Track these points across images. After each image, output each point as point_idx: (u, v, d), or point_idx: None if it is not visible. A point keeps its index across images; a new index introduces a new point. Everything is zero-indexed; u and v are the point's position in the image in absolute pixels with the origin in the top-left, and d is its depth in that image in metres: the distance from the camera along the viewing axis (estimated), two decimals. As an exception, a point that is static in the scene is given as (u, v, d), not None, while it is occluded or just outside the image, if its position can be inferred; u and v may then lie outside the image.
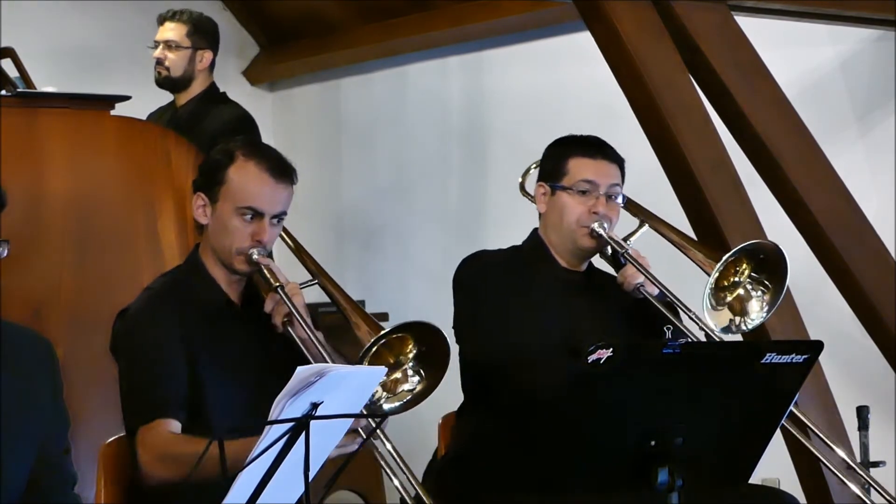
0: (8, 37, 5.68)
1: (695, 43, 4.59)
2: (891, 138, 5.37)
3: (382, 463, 3.36)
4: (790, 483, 4.57)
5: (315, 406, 2.62)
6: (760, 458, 2.99)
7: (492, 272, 3.78)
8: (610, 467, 2.87)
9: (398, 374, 3.41)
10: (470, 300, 3.76)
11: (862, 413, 4.58)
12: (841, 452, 3.81)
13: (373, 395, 3.34)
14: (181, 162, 4.88)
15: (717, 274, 3.70)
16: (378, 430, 3.23)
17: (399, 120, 7.04)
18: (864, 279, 4.75)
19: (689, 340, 3.65)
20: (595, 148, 3.84)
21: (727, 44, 4.65)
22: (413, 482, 3.38)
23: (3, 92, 4.81)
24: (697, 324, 3.70)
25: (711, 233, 4.51)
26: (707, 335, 3.70)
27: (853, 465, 3.84)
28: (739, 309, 3.80)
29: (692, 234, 4.37)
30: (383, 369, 2.99)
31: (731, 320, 3.79)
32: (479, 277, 3.77)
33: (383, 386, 3.39)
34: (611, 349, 2.71)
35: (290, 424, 2.61)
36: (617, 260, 3.84)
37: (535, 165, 4.05)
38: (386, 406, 3.40)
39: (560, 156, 3.84)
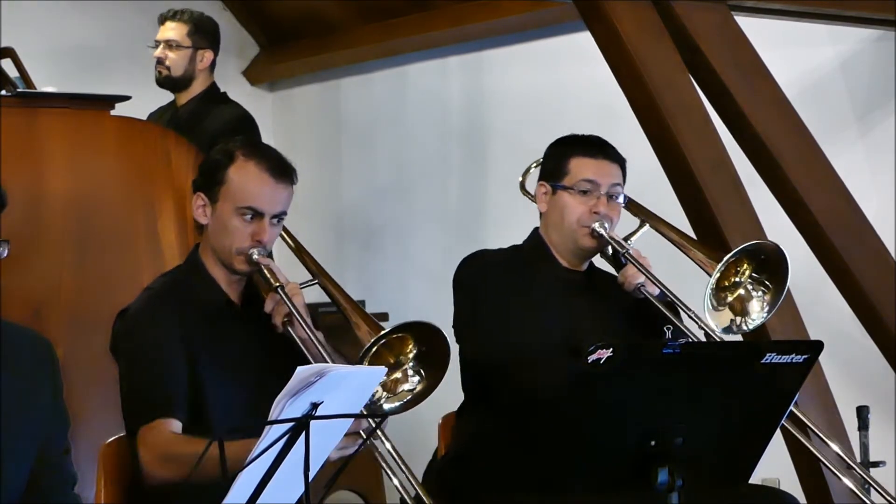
0: (8, 37, 5.68)
1: (695, 43, 4.59)
2: (891, 138, 5.36)
3: (382, 463, 3.35)
4: (790, 483, 4.57)
5: (315, 406, 2.62)
6: (760, 458, 2.99)
7: (492, 272, 3.78)
8: (610, 467, 2.87)
9: (398, 374, 3.41)
10: (470, 300, 3.75)
11: (862, 413, 4.58)
12: (841, 452, 3.81)
13: (373, 395, 3.33)
14: (181, 162, 4.88)
15: (718, 274, 3.70)
16: (378, 430, 3.23)
17: (399, 120, 7.04)
18: (864, 279, 4.75)
19: (690, 340, 3.64)
20: (596, 148, 3.83)
21: (727, 44, 4.65)
22: (413, 482, 3.37)
23: (3, 92, 4.81)
24: (698, 324, 3.70)
25: (711, 233, 4.50)
26: (707, 335, 3.70)
27: (853, 465, 3.83)
28: (740, 309, 3.79)
29: (692, 234, 4.37)
30: (383, 369, 2.99)
31: (731, 320, 3.79)
32: (479, 277, 3.77)
33: (383, 386, 3.38)
34: (611, 349, 2.71)
35: (290, 424, 2.61)
36: (618, 260, 3.83)
37: (535, 165, 4.05)
38: (386, 406, 3.40)
39: (561, 155, 3.84)
